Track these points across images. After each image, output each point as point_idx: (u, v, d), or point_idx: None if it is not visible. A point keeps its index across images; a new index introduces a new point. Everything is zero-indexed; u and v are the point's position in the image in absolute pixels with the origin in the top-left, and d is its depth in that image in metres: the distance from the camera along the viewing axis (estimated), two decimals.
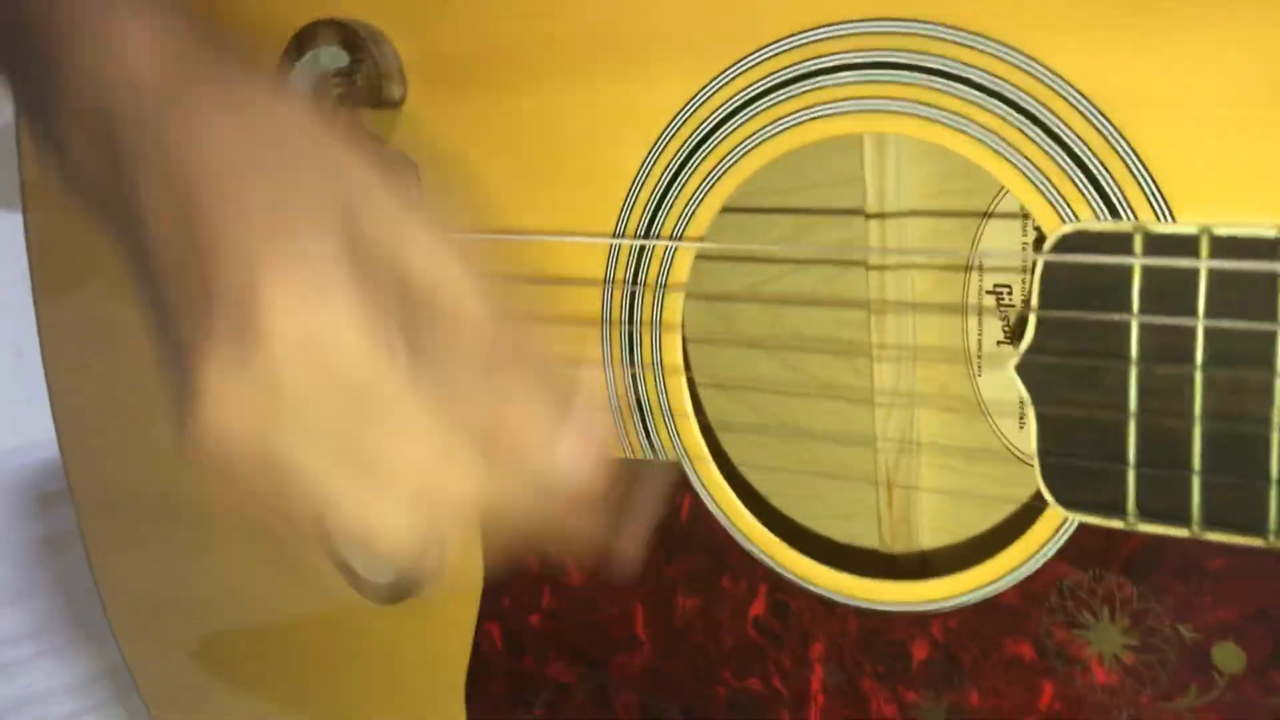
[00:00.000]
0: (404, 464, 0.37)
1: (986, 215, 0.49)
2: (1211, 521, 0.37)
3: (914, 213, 0.49)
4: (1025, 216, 0.49)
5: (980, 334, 0.51)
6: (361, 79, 0.53)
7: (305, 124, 0.43)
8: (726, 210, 0.47)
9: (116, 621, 0.79)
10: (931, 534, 0.52)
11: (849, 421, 0.54)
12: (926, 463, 0.52)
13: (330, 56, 0.54)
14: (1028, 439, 0.50)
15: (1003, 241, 0.50)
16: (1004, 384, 0.51)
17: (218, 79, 0.43)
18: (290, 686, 0.69)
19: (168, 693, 0.77)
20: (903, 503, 0.51)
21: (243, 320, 0.37)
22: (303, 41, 0.55)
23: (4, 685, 0.85)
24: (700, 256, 0.48)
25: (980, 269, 0.50)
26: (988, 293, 0.52)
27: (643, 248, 0.48)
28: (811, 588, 0.47)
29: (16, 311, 0.74)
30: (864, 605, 0.45)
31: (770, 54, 0.44)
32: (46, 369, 0.76)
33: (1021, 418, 0.52)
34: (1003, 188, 0.49)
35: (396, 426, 0.37)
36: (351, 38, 0.53)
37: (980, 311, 0.50)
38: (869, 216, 0.49)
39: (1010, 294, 0.52)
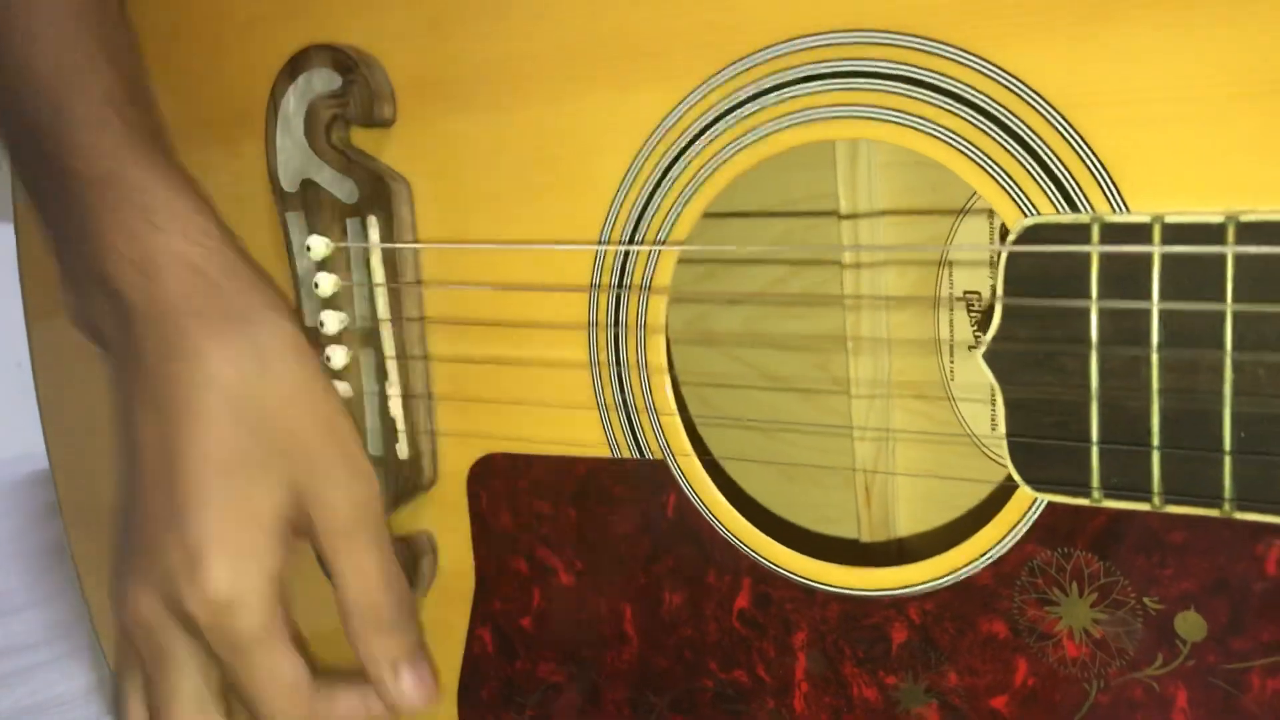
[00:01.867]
0: (262, 702, 0.50)
1: (963, 212, 0.52)
2: (1171, 494, 0.39)
3: (885, 212, 0.52)
4: (992, 215, 0.52)
5: (952, 326, 0.53)
6: (354, 100, 0.55)
7: (294, 394, 0.51)
8: (708, 217, 0.49)
9: (104, 635, 0.80)
10: (908, 522, 0.54)
11: (826, 415, 0.56)
12: (902, 453, 0.54)
13: (324, 79, 0.56)
14: (999, 426, 0.52)
15: (973, 240, 0.53)
16: (977, 375, 0.54)
17: (227, 313, 0.51)
18: None
19: None
20: (880, 491, 0.53)
21: (182, 574, 0.49)
22: (297, 65, 0.57)
23: (4, 696, 0.85)
24: (683, 260, 0.50)
25: (950, 265, 0.52)
26: (958, 300, 0.55)
27: (628, 253, 0.50)
28: (793, 577, 0.48)
29: (16, 323, 0.75)
30: (844, 592, 0.47)
31: (746, 66, 0.46)
32: (38, 389, 0.78)
33: (994, 410, 0.54)
34: (973, 194, 0.52)
35: (263, 683, 0.50)
36: (344, 61, 0.56)
37: (952, 305, 0.53)
38: (842, 218, 0.51)
39: (980, 301, 0.54)
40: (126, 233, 0.51)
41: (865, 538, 0.55)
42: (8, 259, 0.74)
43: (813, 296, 0.54)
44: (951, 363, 0.55)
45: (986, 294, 0.53)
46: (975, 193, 0.52)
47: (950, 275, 0.53)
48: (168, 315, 0.51)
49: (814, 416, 0.57)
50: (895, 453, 0.54)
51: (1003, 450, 0.43)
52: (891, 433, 0.54)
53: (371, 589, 0.51)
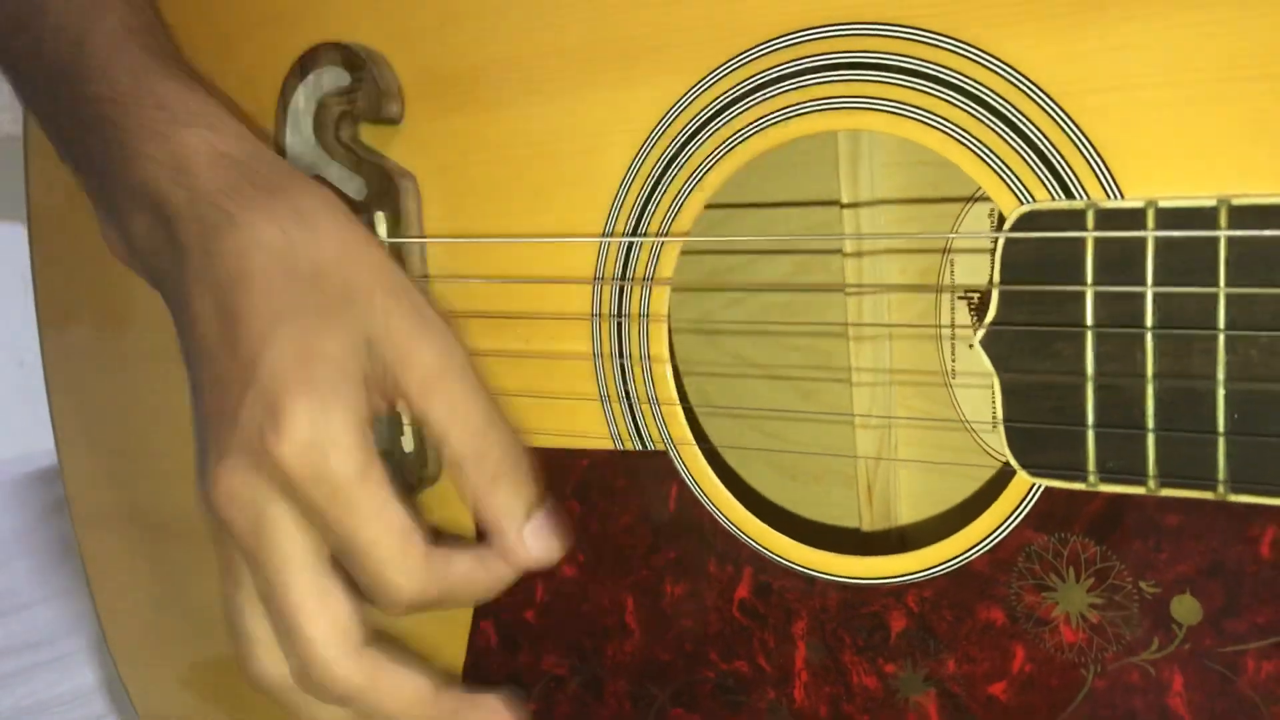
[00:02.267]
0: (372, 555, 0.46)
1: (972, 199, 0.52)
2: (1167, 476, 0.40)
3: (886, 201, 0.52)
4: (992, 208, 0.52)
5: (954, 315, 0.53)
6: (363, 97, 0.56)
7: (342, 245, 0.50)
8: (711, 208, 0.50)
9: (112, 636, 0.80)
10: (909, 511, 0.55)
11: (828, 404, 0.56)
12: (903, 439, 0.54)
13: (333, 77, 0.57)
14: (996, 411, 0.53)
15: (972, 259, 0.54)
16: (979, 361, 0.54)
17: (264, 187, 0.51)
18: None
19: (162, 706, 0.78)
20: (882, 481, 0.53)
21: (265, 425, 0.46)
22: (306, 63, 0.58)
23: (5, 695, 0.85)
24: (686, 252, 0.51)
25: (951, 253, 0.53)
26: (959, 298, 0.55)
27: (631, 245, 0.51)
28: (794, 566, 0.49)
29: (19, 321, 0.76)
30: (844, 580, 0.48)
31: (746, 60, 0.47)
32: (49, 391, 0.78)
33: (994, 395, 0.54)
34: (976, 188, 0.52)
35: (370, 530, 0.46)
36: (353, 59, 0.56)
37: (954, 295, 0.53)
38: (844, 207, 0.52)
39: (978, 297, 0.55)
40: (154, 136, 0.52)
41: (865, 519, 0.56)
42: (10, 259, 0.75)
43: (814, 285, 0.55)
44: (954, 359, 0.55)
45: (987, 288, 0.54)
46: (976, 191, 0.52)
47: (952, 267, 0.53)
48: (205, 200, 0.50)
49: (816, 402, 0.57)
50: (897, 442, 0.55)
51: (998, 442, 0.43)
52: (893, 420, 0.55)
53: (477, 434, 0.49)
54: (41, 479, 0.85)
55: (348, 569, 0.48)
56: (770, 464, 0.59)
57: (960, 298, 0.55)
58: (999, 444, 0.53)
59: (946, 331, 0.54)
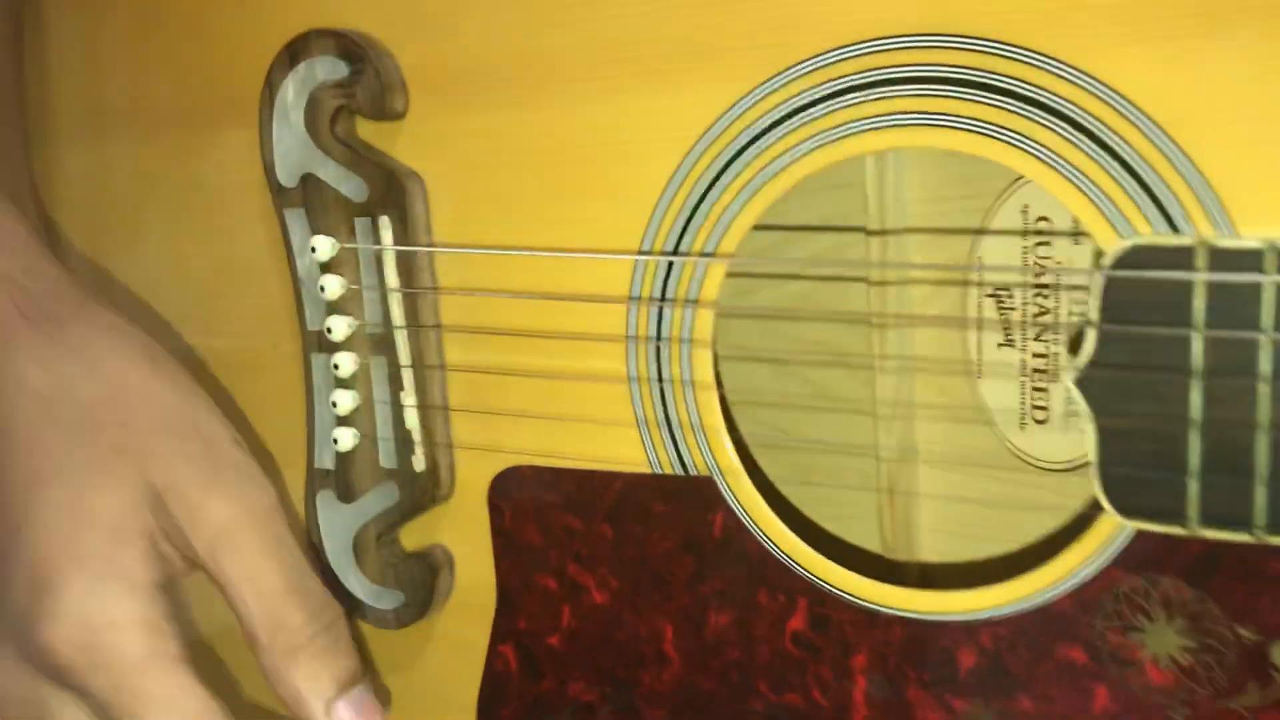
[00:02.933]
0: None
1: (979, 231, 0.50)
2: (1276, 528, 0.38)
3: (910, 230, 0.50)
4: (1025, 233, 0.50)
5: (981, 345, 0.52)
6: (362, 91, 0.52)
7: (122, 383, 0.44)
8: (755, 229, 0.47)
9: None
10: (932, 543, 0.53)
11: (851, 432, 0.54)
12: (926, 472, 0.52)
13: (327, 67, 0.52)
14: (1031, 442, 0.51)
15: (1002, 254, 0.51)
16: (1004, 392, 0.53)
17: (36, 316, 0.45)
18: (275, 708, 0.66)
19: None
20: (904, 512, 0.51)
21: (32, 611, 0.41)
22: (296, 51, 0.53)
23: None
24: (731, 274, 0.48)
25: (980, 285, 0.51)
26: (988, 296, 0.53)
27: (671, 263, 0.47)
28: (856, 600, 0.47)
29: None
30: (909, 615, 0.46)
31: (809, 69, 0.43)
32: None
33: (1022, 424, 0.53)
34: (997, 201, 0.50)
35: (158, 715, 0.41)
36: (350, 48, 0.52)
37: (980, 325, 0.51)
38: (870, 234, 0.49)
39: (1010, 297, 0.53)
40: None
41: (889, 549, 0.54)
42: None
43: (851, 314, 0.52)
44: (979, 373, 0.53)
45: (1018, 294, 0.52)
46: (995, 202, 0.50)
47: (980, 291, 0.51)
48: None
49: (840, 431, 0.55)
50: (920, 477, 0.53)
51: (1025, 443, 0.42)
52: (918, 452, 0.53)
53: (273, 599, 0.44)
54: None
55: None
56: (785, 466, 0.56)
57: (989, 295, 0.53)
58: (1027, 445, 0.52)
59: (974, 358, 0.52)
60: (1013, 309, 0.53)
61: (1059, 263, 0.50)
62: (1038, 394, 0.52)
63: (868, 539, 0.55)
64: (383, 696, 0.49)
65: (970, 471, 0.53)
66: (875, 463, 0.53)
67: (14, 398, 0.43)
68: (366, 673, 0.46)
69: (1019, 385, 0.53)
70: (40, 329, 0.44)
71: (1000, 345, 0.53)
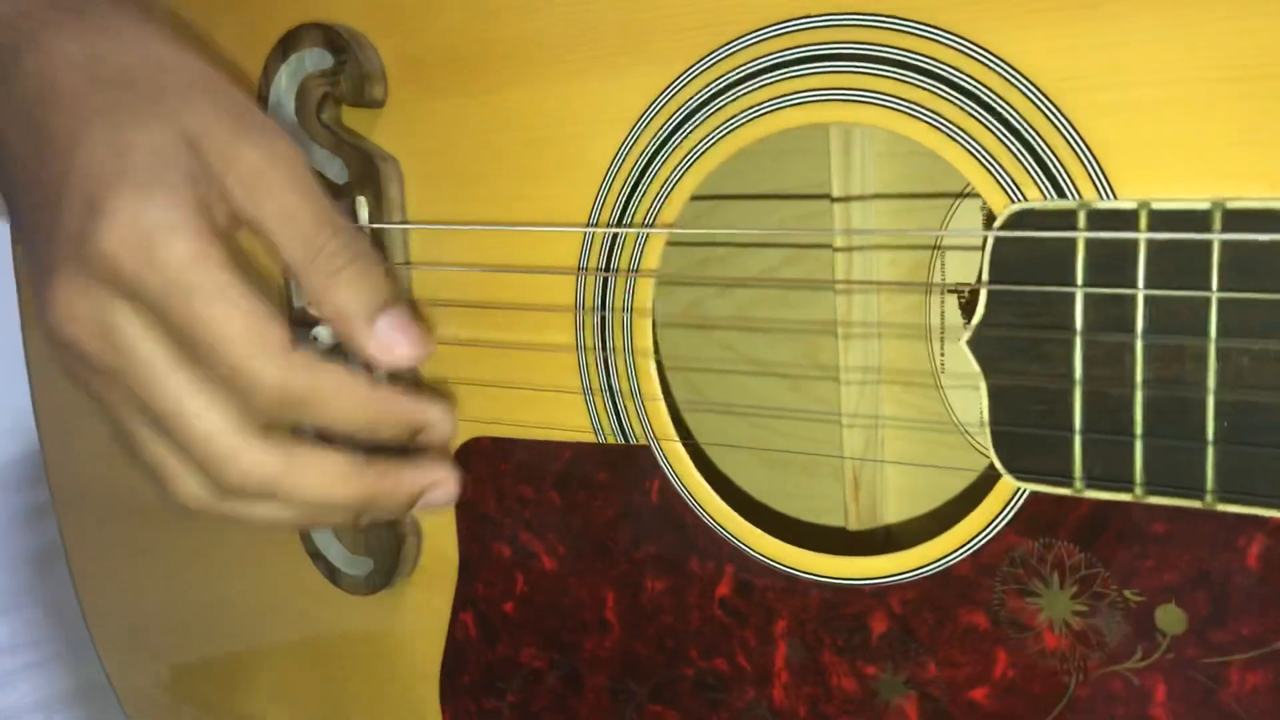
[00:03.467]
0: (223, 340, 0.42)
1: (962, 195, 0.51)
2: (1154, 484, 0.39)
3: (878, 195, 0.51)
4: (983, 204, 0.51)
5: (944, 315, 0.52)
6: (345, 79, 0.55)
7: (154, 53, 0.46)
8: (697, 199, 0.49)
9: (98, 633, 0.80)
10: (896, 509, 0.54)
11: (815, 400, 0.55)
12: (890, 439, 0.53)
13: (315, 58, 0.56)
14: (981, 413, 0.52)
15: (964, 256, 0.53)
16: (967, 361, 0.54)
17: (68, 6, 0.47)
18: (270, 685, 0.69)
19: (149, 702, 0.77)
20: (868, 481, 0.52)
21: (85, 226, 0.42)
22: (288, 44, 0.57)
23: (3, 695, 0.84)
24: (671, 243, 0.50)
25: (942, 250, 0.52)
26: (948, 291, 0.54)
27: (615, 236, 0.50)
28: (776, 565, 0.48)
29: (9, 322, 0.75)
30: (826, 580, 0.47)
31: (734, 49, 0.46)
32: (33, 391, 0.77)
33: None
34: (966, 183, 0.51)
35: (215, 311, 0.42)
36: (335, 40, 0.55)
37: (944, 292, 0.52)
38: (834, 200, 0.51)
39: (969, 298, 0.54)
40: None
41: (851, 519, 0.55)
42: (6, 260, 0.74)
43: (803, 282, 0.54)
44: (943, 356, 0.54)
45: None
46: (966, 186, 0.51)
47: (943, 264, 0.53)
48: (5, 26, 0.47)
49: (803, 404, 0.56)
50: (884, 441, 0.54)
51: (987, 440, 0.42)
52: (880, 420, 0.54)
53: (310, 230, 0.45)
54: (31, 481, 0.84)
55: (206, 365, 0.43)
56: (756, 455, 0.58)
57: (950, 291, 0.54)
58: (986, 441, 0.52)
59: (936, 330, 0.53)
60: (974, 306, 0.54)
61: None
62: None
63: (832, 509, 0.56)
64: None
65: (934, 436, 0.54)
66: (839, 430, 0.54)
67: (55, 68, 0.45)
68: (402, 299, 0.47)
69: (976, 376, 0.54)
70: (74, 13, 0.47)
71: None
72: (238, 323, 0.42)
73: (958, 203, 0.52)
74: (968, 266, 0.53)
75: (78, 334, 0.43)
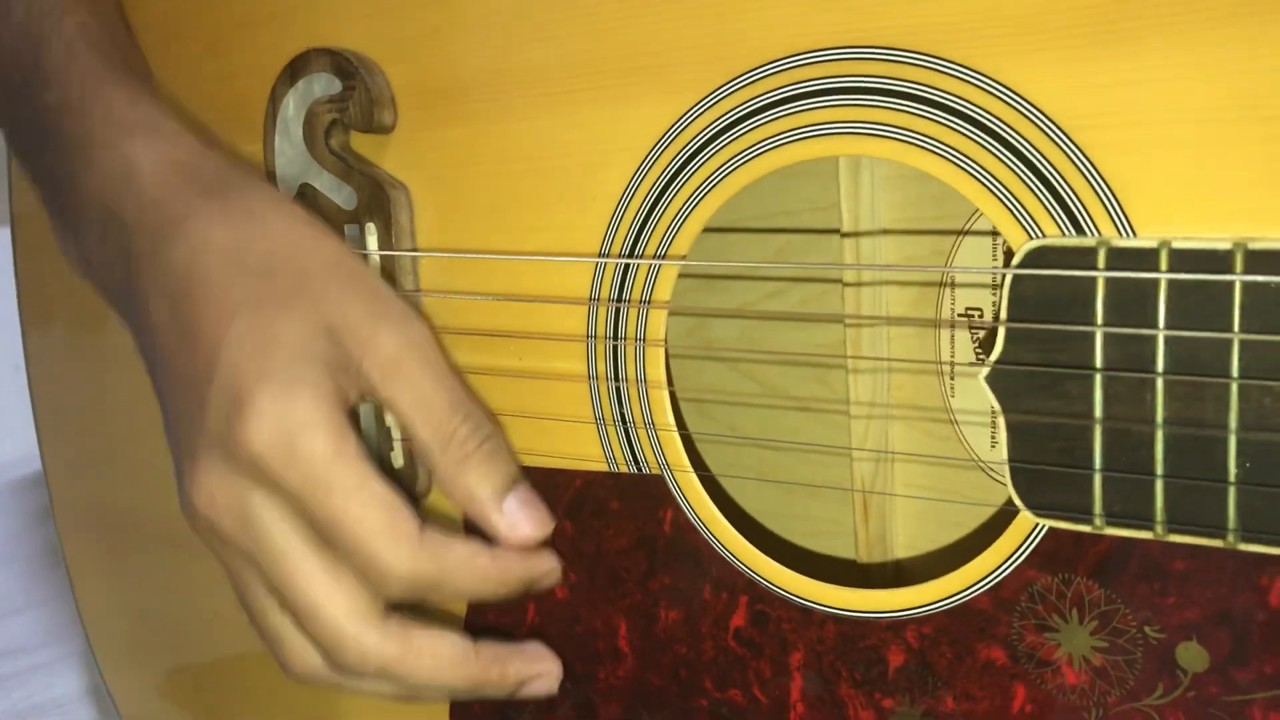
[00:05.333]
0: (359, 534, 0.45)
1: (960, 233, 0.51)
2: (1175, 523, 0.39)
3: (888, 231, 0.51)
4: (995, 234, 0.51)
5: (954, 346, 0.52)
6: (354, 105, 0.55)
7: (294, 238, 0.50)
8: (708, 231, 0.49)
9: (95, 639, 0.79)
10: (906, 543, 0.54)
11: (825, 434, 0.55)
12: (900, 474, 0.53)
13: (323, 83, 0.56)
14: (999, 451, 0.51)
15: (975, 260, 0.52)
16: (977, 396, 0.53)
17: (210, 190, 0.50)
18: (272, 701, 0.69)
19: (148, 712, 0.77)
20: (878, 513, 0.52)
21: (231, 418, 0.45)
22: (296, 69, 0.57)
23: (2, 698, 0.85)
24: (683, 275, 0.50)
25: (953, 285, 0.52)
26: (960, 316, 0.54)
27: (627, 266, 0.49)
28: (791, 597, 0.48)
29: (14, 326, 0.75)
30: (841, 613, 0.47)
31: (748, 81, 0.45)
32: (32, 393, 0.77)
33: (993, 431, 0.53)
34: (975, 209, 0.51)
35: (352, 507, 0.45)
36: (344, 66, 0.55)
37: (954, 326, 0.52)
38: (844, 235, 0.51)
39: (981, 315, 0.54)
40: (102, 146, 0.51)
41: (862, 554, 0.55)
42: (6, 263, 0.74)
43: (812, 315, 0.54)
44: (952, 379, 0.54)
45: (988, 311, 0.53)
46: (977, 210, 0.51)
47: (953, 294, 0.52)
48: (153, 209, 0.50)
49: (813, 433, 0.56)
50: (894, 472, 0.54)
51: (1004, 472, 0.42)
52: (891, 454, 0.53)
53: (442, 417, 0.48)
54: (35, 483, 0.84)
55: (340, 553, 0.46)
56: (764, 482, 0.58)
57: (960, 315, 0.54)
58: (1002, 471, 0.52)
59: (946, 361, 0.53)
60: (984, 327, 0.54)
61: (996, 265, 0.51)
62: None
63: (842, 543, 0.56)
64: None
65: (944, 471, 0.54)
66: (849, 463, 0.54)
67: (201, 255, 0.48)
68: (525, 479, 0.50)
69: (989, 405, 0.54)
70: (217, 199, 0.50)
71: (973, 364, 0.54)
72: (372, 516, 0.45)
73: (962, 236, 0.52)
74: (979, 295, 0.53)
75: (219, 517, 0.47)
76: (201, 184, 0.51)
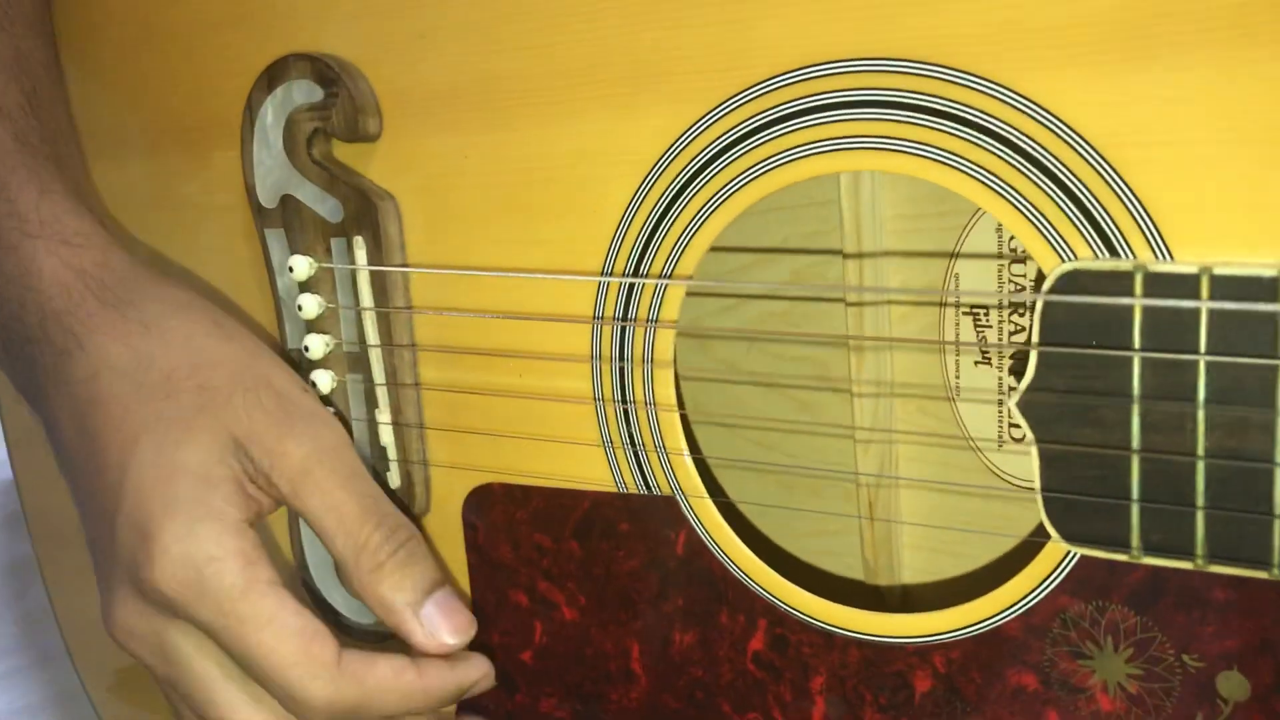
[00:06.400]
0: (274, 664, 0.45)
1: (955, 255, 0.50)
2: (1216, 555, 0.38)
3: (889, 253, 0.50)
4: (1000, 257, 0.49)
5: (959, 369, 0.51)
6: (337, 114, 0.52)
7: (195, 348, 0.49)
8: (714, 250, 0.47)
9: (74, 647, 0.78)
10: (912, 566, 0.53)
11: (830, 457, 0.54)
12: (907, 496, 0.52)
13: (304, 90, 0.53)
14: (1012, 464, 0.50)
15: (977, 275, 0.51)
16: (982, 412, 0.52)
17: (111, 301, 0.50)
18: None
19: (123, 713, 0.75)
20: (884, 536, 0.51)
21: (138, 555, 0.45)
22: (274, 75, 0.54)
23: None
24: (690, 294, 0.48)
25: (957, 306, 0.51)
26: (964, 313, 0.52)
27: (633, 285, 0.48)
28: (812, 621, 0.47)
29: None
30: (865, 637, 0.46)
31: (760, 92, 0.43)
32: (0, 402, 0.74)
33: (999, 444, 0.52)
34: (970, 223, 0.50)
35: (265, 639, 0.45)
36: (325, 72, 0.52)
37: (959, 350, 0.51)
38: (846, 256, 0.49)
39: (987, 315, 0.52)
40: (7, 250, 0.50)
41: (870, 573, 0.54)
42: None
43: (821, 336, 0.52)
44: (958, 378, 0.53)
45: (994, 311, 0.51)
46: (979, 210, 0.50)
47: (957, 313, 0.51)
48: (54, 322, 0.49)
49: (818, 454, 0.54)
50: (900, 498, 0.52)
51: (1004, 462, 0.41)
52: (896, 479, 0.52)
53: (354, 525, 0.48)
54: (4, 491, 0.83)
55: (258, 682, 0.47)
56: (767, 488, 0.56)
57: (965, 314, 0.53)
58: (1005, 464, 0.51)
59: (952, 382, 0.52)
60: (989, 326, 0.52)
61: (1014, 283, 0.49)
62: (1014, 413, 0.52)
63: (852, 562, 0.55)
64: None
65: (951, 492, 0.53)
66: (855, 487, 0.53)
67: (102, 375, 0.48)
68: (446, 579, 0.50)
69: (996, 404, 0.53)
70: (118, 311, 0.49)
71: (977, 363, 0.53)
72: (286, 649, 0.45)
73: (973, 220, 0.50)
74: (983, 277, 0.51)
75: (137, 649, 0.47)
76: (102, 295, 0.50)
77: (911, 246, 0.52)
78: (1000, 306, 0.51)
